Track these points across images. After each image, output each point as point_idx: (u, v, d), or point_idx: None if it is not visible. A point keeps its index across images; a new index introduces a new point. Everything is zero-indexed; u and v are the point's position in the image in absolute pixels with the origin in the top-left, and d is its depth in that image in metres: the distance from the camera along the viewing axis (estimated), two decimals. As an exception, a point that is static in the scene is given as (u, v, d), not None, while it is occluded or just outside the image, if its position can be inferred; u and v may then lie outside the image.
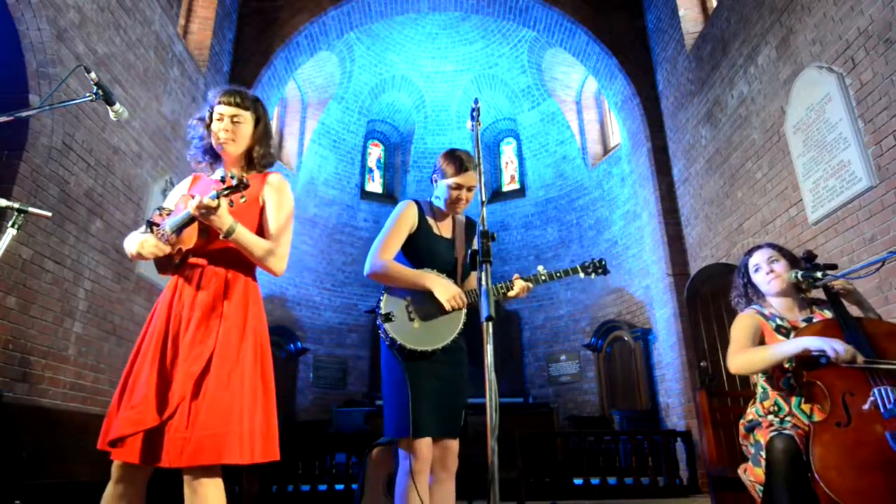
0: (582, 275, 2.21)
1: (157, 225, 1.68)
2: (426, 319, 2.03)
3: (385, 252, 2.07)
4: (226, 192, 1.55)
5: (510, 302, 2.40)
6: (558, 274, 2.15)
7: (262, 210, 1.80)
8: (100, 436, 1.59)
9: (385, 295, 2.06)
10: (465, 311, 2.06)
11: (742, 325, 2.14)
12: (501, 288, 2.11)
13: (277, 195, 1.81)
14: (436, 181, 2.18)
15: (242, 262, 1.75)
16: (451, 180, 2.10)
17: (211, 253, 1.71)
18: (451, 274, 2.12)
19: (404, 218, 2.12)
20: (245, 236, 1.69)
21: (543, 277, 2.13)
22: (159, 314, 1.67)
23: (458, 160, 2.11)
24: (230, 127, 1.78)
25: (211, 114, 1.80)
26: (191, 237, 1.67)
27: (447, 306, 1.98)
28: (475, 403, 2.26)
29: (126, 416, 1.53)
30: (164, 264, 1.75)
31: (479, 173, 1.60)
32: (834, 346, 1.78)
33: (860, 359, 1.78)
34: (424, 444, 1.92)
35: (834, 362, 1.78)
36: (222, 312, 1.65)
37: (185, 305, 1.66)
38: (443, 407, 1.98)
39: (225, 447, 1.52)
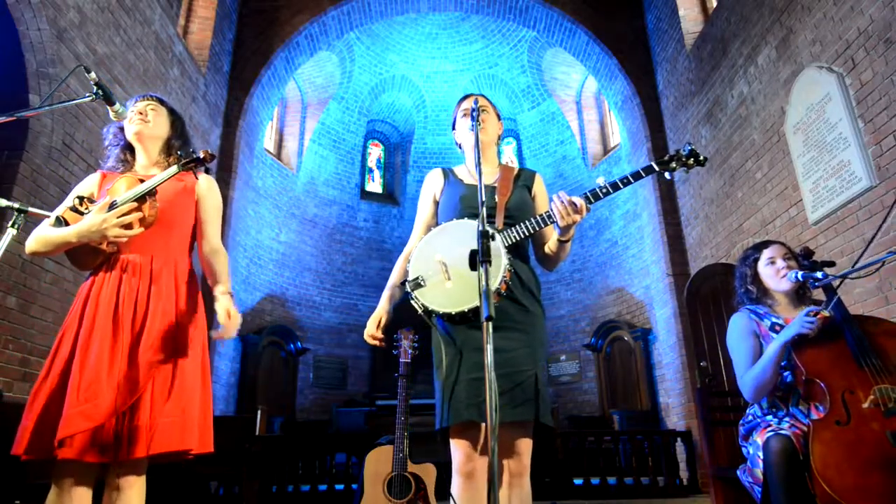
0: (667, 174, 1.69)
1: (82, 213, 1.64)
2: (463, 274, 1.62)
3: (415, 233, 1.95)
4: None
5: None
6: (625, 180, 1.63)
7: (197, 204, 1.86)
8: (22, 439, 1.45)
9: (412, 259, 1.75)
10: (505, 256, 1.61)
11: (736, 333, 2.15)
12: (541, 222, 1.66)
13: (215, 197, 1.91)
14: (457, 139, 2.05)
15: (183, 251, 1.79)
16: (458, 112, 2.01)
17: (152, 244, 1.72)
18: (490, 216, 1.76)
19: (426, 187, 2.00)
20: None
21: (605, 190, 1.63)
22: (103, 305, 1.60)
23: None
24: (145, 111, 1.85)
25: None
26: (152, 210, 1.68)
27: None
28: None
29: (80, 410, 1.44)
30: (87, 258, 1.67)
31: (479, 174, 1.52)
32: (804, 322, 1.85)
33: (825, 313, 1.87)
34: (462, 436, 1.59)
35: (813, 333, 1.85)
36: (177, 301, 1.69)
37: (137, 296, 1.63)
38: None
39: (187, 434, 1.55)
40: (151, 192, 1.65)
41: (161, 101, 1.92)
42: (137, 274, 1.66)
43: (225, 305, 1.71)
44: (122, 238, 1.59)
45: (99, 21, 4.41)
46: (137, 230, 1.62)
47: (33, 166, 3.68)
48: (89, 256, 1.67)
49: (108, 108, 1.71)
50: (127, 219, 1.58)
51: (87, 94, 1.66)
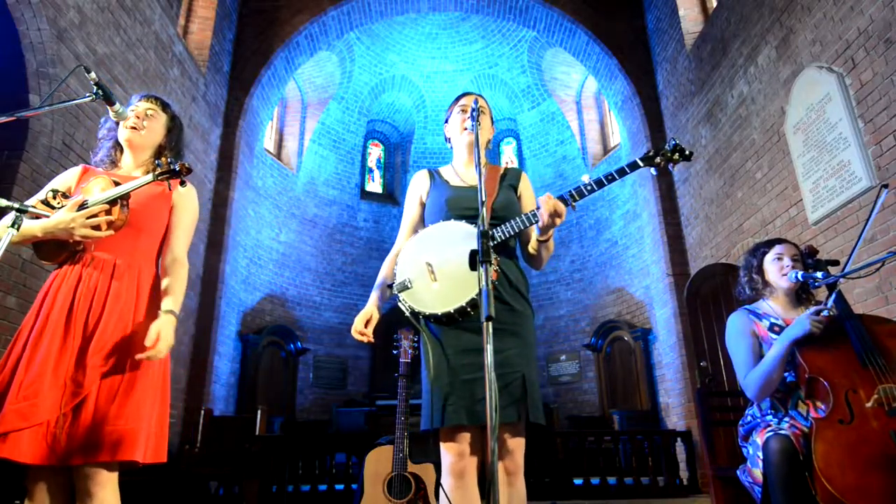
0: (653, 170, 1.68)
1: (53, 208, 1.61)
2: (449, 275, 1.65)
3: (402, 234, 1.95)
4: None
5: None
6: (610, 177, 1.62)
7: (170, 212, 1.82)
8: None
9: (398, 262, 1.79)
10: (491, 256, 1.70)
11: (735, 332, 2.14)
12: (525, 221, 1.66)
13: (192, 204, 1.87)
14: (448, 134, 2.04)
15: (150, 258, 1.75)
16: (455, 107, 1.98)
17: (118, 245, 1.68)
18: (475, 218, 1.77)
19: (412, 189, 2.00)
20: None
21: (590, 187, 1.62)
22: (59, 301, 1.58)
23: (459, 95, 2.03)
24: (142, 115, 1.83)
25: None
26: (121, 215, 1.65)
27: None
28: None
29: (17, 408, 1.39)
30: (53, 252, 1.65)
31: (479, 175, 1.51)
32: (812, 321, 1.85)
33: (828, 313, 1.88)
34: (452, 437, 1.62)
35: (819, 332, 1.85)
36: (136, 307, 1.64)
37: (94, 294, 1.59)
38: (477, 385, 1.59)
39: (136, 443, 1.49)
40: (124, 197, 1.63)
41: (164, 106, 1.89)
42: (99, 269, 1.63)
43: (157, 326, 1.56)
44: (89, 238, 1.58)
45: (99, 21, 4.41)
46: (106, 232, 1.60)
47: (33, 166, 3.68)
48: (54, 251, 1.65)
49: (108, 108, 1.71)
50: (95, 220, 1.56)
51: (87, 94, 1.65)
